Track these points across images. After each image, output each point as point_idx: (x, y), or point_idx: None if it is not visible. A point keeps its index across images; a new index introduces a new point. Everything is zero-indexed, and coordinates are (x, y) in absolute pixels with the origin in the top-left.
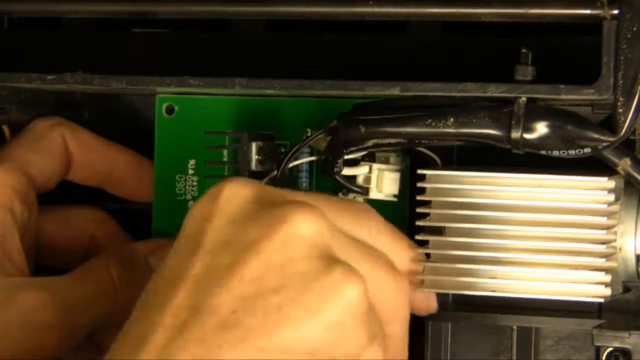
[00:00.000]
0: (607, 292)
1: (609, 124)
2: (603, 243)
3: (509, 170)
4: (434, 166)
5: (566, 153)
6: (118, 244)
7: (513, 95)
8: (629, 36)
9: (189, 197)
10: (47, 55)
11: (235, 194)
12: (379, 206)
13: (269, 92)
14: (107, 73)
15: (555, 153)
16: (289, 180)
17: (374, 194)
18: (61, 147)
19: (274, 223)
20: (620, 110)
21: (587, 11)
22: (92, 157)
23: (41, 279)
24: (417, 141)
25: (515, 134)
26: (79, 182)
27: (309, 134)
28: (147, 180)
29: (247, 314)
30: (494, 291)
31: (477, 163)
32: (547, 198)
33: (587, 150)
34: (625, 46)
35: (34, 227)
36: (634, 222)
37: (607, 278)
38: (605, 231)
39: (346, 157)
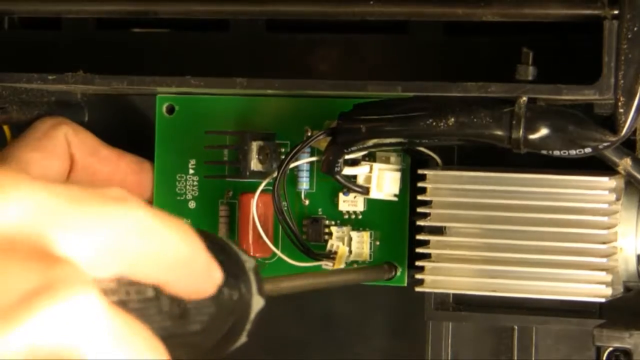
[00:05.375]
0: (608, 291)
1: (610, 124)
2: (604, 243)
3: (509, 170)
4: (434, 166)
5: (567, 153)
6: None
7: (514, 95)
8: (629, 36)
9: (189, 197)
10: (48, 55)
11: None
12: (380, 206)
13: (269, 92)
14: (108, 73)
15: (556, 153)
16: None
17: (374, 194)
18: (64, 147)
19: None
20: (621, 110)
21: (588, 11)
22: (94, 160)
23: None
24: (417, 141)
25: (516, 134)
26: None
27: (309, 134)
28: (148, 184)
29: None
30: (494, 291)
31: (477, 163)
32: (548, 198)
33: (588, 150)
34: (626, 46)
35: None
36: (635, 221)
37: (608, 278)
38: (605, 231)
39: (347, 156)
